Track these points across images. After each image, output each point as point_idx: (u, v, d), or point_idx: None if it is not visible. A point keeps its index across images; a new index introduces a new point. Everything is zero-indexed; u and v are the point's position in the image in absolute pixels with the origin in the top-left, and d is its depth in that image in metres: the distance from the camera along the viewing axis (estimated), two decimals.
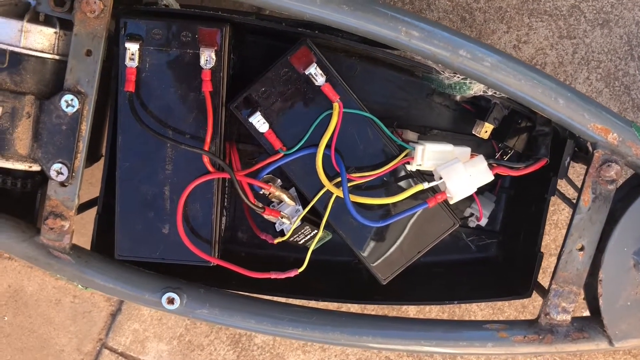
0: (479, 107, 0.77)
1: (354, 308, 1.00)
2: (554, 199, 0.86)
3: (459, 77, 0.67)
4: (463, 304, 1.02)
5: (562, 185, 0.88)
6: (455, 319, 1.04)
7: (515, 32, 0.93)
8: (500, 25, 0.93)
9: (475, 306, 1.03)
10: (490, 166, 0.64)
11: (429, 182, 0.65)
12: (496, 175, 0.66)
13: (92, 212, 0.73)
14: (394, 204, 0.67)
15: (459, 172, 0.62)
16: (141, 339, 1.08)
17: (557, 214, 0.96)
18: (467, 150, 0.66)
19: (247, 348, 1.07)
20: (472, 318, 1.04)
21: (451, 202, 0.65)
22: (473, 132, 0.75)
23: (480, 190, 0.82)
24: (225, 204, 0.74)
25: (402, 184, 0.68)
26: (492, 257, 0.86)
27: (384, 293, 0.76)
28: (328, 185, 0.65)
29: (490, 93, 0.68)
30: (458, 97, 0.74)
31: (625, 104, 0.95)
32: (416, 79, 0.78)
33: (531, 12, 0.92)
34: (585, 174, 0.66)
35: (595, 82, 0.94)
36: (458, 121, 0.81)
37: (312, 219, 0.71)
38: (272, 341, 1.06)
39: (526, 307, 1.01)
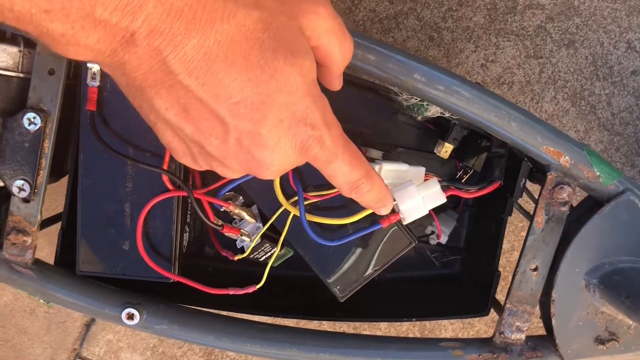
0: (440, 127, 0.78)
1: (326, 324, 1.01)
2: (522, 217, 0.88)
3: (416, 99, 0.68)
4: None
5: (527, 201, 0.89)
6: (426, 333, 1.05)
7: (483, 51, 0.94)
8: (468, 44, 0.94)
9: (446, 321, 1.04)
10: (445, 188, 0.65)
11: None
12: (450, 197, 0.67)
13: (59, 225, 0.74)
14: (351, 224, 0.68)
15: (412, 195, 0.63)
16: (115, 349, 1.09)
17: (525, 230, 0.97)
18: (422, 169, 0.68)
19: None
20: (443, 332, 1.05)
21: (404, 223, 0.66)
22: (435, 152, 0.76)
23: (443, 208, 0.83)
24: (188, 220, 0.75)
25: (360, 204, 0.69)
26: (456, 274, 0.87)
27: (347, 309, 0.77)
28: (285, 204, 0.66)
29: (448, 114, 0.69)
30: (419, 118, 0.76)
31: (592, 122, 0.96)
32: (380, 97, 0.79)
33: (498, 32, 0.94)
34: (539, 196, 0.67)
35: (562, 102, 0.95)
36: (422, 139, 0.82)
37: (273, 236, 0.72)
38: (245, 355, 1.07)
39: (495, 322, 1.02)
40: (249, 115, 0.39)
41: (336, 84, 0.50)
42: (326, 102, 0.44)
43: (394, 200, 0.65)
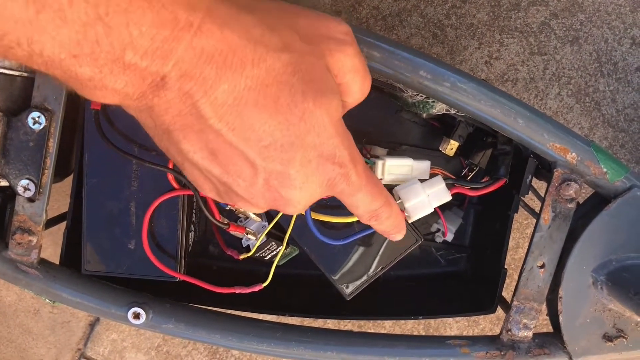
0: (445, 124, 0.78)
1: (330, 322, 1.00)
2: (528, 214, 0.87)
3: (421, 97, 0.67)
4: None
5: (532, 198, 0.89)
6: (431, 331, 1.05)
7: (487, 48, 0.94)
8: (472, 41, 0.94)
9: (452, 319, 1.04)
10: (449, 186, 0.65)
11: None
12: (456, 195, 0.66)
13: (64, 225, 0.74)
14: (356, 222, 0.68)
15: (417, 193, 0.63)
16: (119, 349, 1.09)
17: (531, 227, 0.97)
18: (427, 164, 0.67)
19: (225, 359, 1.08)
20: (447, 330, 1.05)
21: (410, 221, 0.66)
22: (440, 149, 0.76)
23: (449, 205, 0.83)
24: (194, 219, 0.75)
25: None
26: (461, 271, 0.87)
27: (353, 307, 0.77)
28: None
29: (453, 111, 0.69)
30: (424, 115, 0.75)
31: (596, 119, 0.95)
32: (385, 95, 0.79)
33: (502, 28, 0.94)
34: (546, 193, 0.67)
35: (566, 98, 0.95)
36: (427, 137, 0.82)
37: (278, 235, 0.72)
38: (249, 353, 1.07)
39: (501, 319, 1.02)
40: (279, 157, 0.40)
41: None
42: (352, 139, 0.45)
43: (399, 198, 0.64)
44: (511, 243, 1.00)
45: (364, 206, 0.48)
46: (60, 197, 0.94)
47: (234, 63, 0.37)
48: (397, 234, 0.54)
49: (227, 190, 0.43)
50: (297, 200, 0.44)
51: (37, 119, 0.64)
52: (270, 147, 0.39)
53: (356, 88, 0.46)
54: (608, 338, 0.69)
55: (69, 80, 0.36)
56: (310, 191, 0.43)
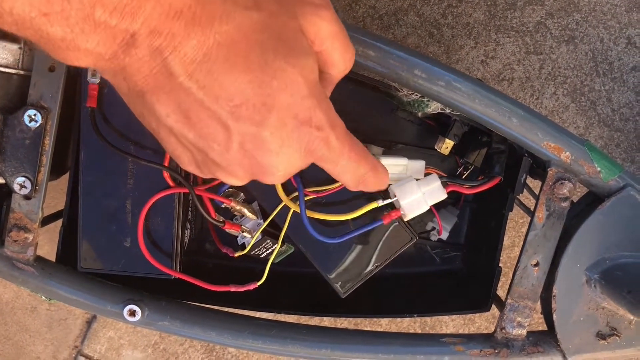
0: (441, 123, 0.78)
1: (326, 320, 1.01)
2: (523, 213, 0.87)
3: (416, 95, 0.68)
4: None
5: (527, 197, 0.89)
6: (427, 329, 1.05)
7: (483, 47, 0.94)
8: (468, 40, 0.94)
9: (447, 317, 1.04)
10: (444, 184, 0.65)
11: (383, 199, 0.66)
12: (451, 194, 0.67)
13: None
14: (351, 220, 0.68)
15: (413, 191, 0.63)
16: (116, 346, 1.09)
17: (526, 226, 0.97)
18: (422, 163, 0.67)
19: (222, 357, 1.08)
20: (443, 328, 1.05)
21: (405, 220, 0.66)
22: (435, 148, 0.76)
23: (444, 204, 0.83)
24: (189, 216, 0.75)
25: (361, 200, 0.69)
26: (456, 270, 0.87)
27: (348, 305, 0.77)
28: (285, 200, 0.67)
29: (448, 111, 0.69)
30: (419, 114, 0.76)
31: (592, 119, 0.96)
32: (381, 94, 0.79)
33: (498, 28, 0.94)
34: (540, 192, 0.67)
35: (562, 98, 0.95)
36: (423, 136, 0.82)
37: (274, 232, 0.72)
38: (246, 351, 1.07)
39: (496, 317, 1.02)
40: (251, 118, 0.39)
41: (328, 92, 0.49)
42: (329, 102, 0.43)
43: (395, 196, 0.65)
44: (506, 241, 1.00)
45: (349, 173, 0.46)
46: (56, 195, 0.94)
47: (203, 18, 0.36)
48: (382, 187, 0.51)
49: (204, 158, 0.42)
50: (275, 167, 0.42)
51: (33, 116, 0.65)
52: (242, 106, 0.38)
53: (337, 57, 0.44)
54: (601, 336, 0.69)
55: (41, 42, 0.36)
56: (289, 157, 0.41)
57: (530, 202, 0.89)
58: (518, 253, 0.69)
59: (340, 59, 0.45)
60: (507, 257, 1.01)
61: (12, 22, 0.34)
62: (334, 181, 0.68)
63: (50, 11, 0.33)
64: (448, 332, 1.05)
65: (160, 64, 0.37)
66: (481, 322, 1.04)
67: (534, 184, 0.75)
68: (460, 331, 1.05)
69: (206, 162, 0.43)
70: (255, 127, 0.39)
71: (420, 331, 1.05)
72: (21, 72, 0.67)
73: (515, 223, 1.00)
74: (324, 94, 0.43)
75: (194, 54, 0.37)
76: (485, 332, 0.93)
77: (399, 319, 1.04)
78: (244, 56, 0.38)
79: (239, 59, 0.38)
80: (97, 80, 0.66)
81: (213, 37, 0.37)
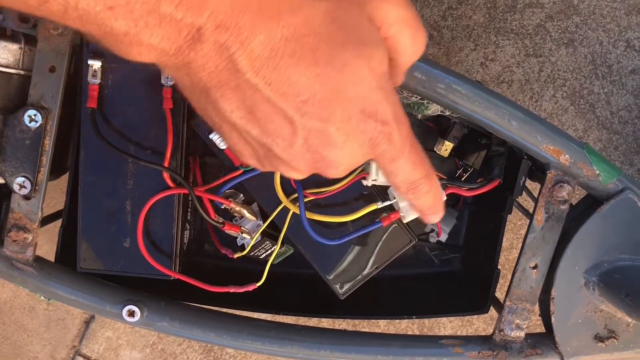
0: (440, 125, 0.79)
1: (324, 322, 1.01)
2: (522, 215, 0.88)
3: (416, 98, 0.68)
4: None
5: (526, 199, 0.90)
6: (425, 330, 1.05)
7: (483, 49, 0.95)
8: (468, 43, 0.94)
9: (445, 318, 1.04)
10: (444, 186, 0.66)
11: (383, 201, 0.66)
12: (450, 196, 0.67)
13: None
14: (351, 222, 0.68)
15: None
16: (114, 346, 1.09)
17: (525, 228, 0.97)
18: None
19: (220, 357, 1.08)
20: (442, 330, 1.05)
21: (404, 221, 0.66)
22: (435, 150, 0.76)
23: None
24: (189, 217, 0.75)
25: (360, 202, 0.69)
26: (455, 272, 0.87)
27: (347, 306, 0.77)
28: (285, 202, 0.67)
29: (448, 113, 0.69)
30: (419, 116, 0.76)
31: (591, 121, 0.96)
32: None
33: (498, 30, 0.94)
34: (539, 194, 0.67)
35: (561, 100, 0.96)
36: (422, 138, 0.82)
37: (273, 234, 0.72)
38: (244, 351, 1.07)
39: (495, 320, 1.03)
40: (317, 114, 0.38)
41: (399, 79, 0.46)
42: (396, 96, 0.41)
43: (394, 198, 0.65)
44: (505, 244, 1.00)
45: (403, 175, 0.44)
46: (56, 195, 0.94)
47: (269, 12, 0.35)
48: (434, 215, 0.49)
49: (266, 153, 0.42)
50: (338, 162, 0.41)
51: (33, 116, 0.65)
52: (308, 102, 0.37)
53: (407, 43, 0.42)
54: (599, 339, 0.69)
55: (105, 37, 0.35)
56: (352, 151, 0.40)
57: (529, 204, 0.89)
58: (516, 255, 0.69)
59: (409, 45, 0.42)
60: (506, 259, 1.01)
61: (77, 17, 0.34)
62: (333, 183, 0.68)
63: (115, 4, 0.33)
64: (446, 333, 1.05)
65: (227, 60, 0.36)
66: (479, 323, 1.04)
67: (533, 186, 0.75)
68: (459, 333, 1.05)
69: (268, 157, 0.42)
70: (321, 122, 0.39)
71: (418, 333, 1.05)
72: (22, 72, 0.67)
73: (514, 225, 1.00)
74: (391, 86, 0.41)
75: (261, 50, 0.36)
76: (483, 334, 0.93)
77: (397, 321, 1.04)
78: (312, 50, 0.37)
79: (307, 53, 0.37)
80: (98, 81, 0.66)
81: (280, 31, 0.36)
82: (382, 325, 1.04)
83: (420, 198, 0.46)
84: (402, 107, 0.42)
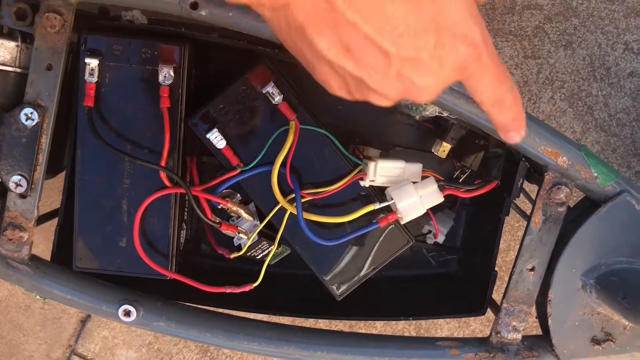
0: (439, 126, 0.78)
1: (321, 323, 1.01)
2: (519, 217, 0.87)
3: None
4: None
5: (524, 201, 0.90)
6: (422, 332, 1.05)
7: None
8: None
9: (442, 320, 1.04)
10: (441, 188, 0.65)
11: (380, 202, 0.66)
12: (447, 197, 0.67)
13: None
14: (348, 222, 0.68)
15: (410, 194, 0.63)
16: (110, 346, 1.09)
17: (522, 230, 0.97)
18: (419, 166, 0.68)
19: (216, 357, 1.08)
20: (438, 332, 1.05)
21: (402, 222, 0.66)
22: (432, 151, 0.76)
23: (440, 207, 0.83)
24: (185, 217, 0.75)
25: (358, 203, 0.69)
26: (452, 273, 0.87)
27: (344, 307, 0.77)
28: (282, 202, 0.66)
29: (446, 114, 0.69)
30: (417, 117, 0.75)
31: (589, 123, 0.96)
32: None
33: (497, 32, 0.94)
34: (536, 196, 0.67)
35: (559, 102, 0.96)
36: (421, 139, 0.82)
37: (270, 234, 0.72)
38: (241, 352, 1.07)
39: (492, 321, 1.02)
40: (412, 44, 0.39)
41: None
42: (482, 18, 0.42)
43: (392, 199, 0.65)
44: (502, 245, 1.00)
45: (489, 90, 0.44)
46: (52, 194, 0.94)
47: None
48: (516, 132, 0.48)
49: (358, 85, 0.43)
50: (429, 87, 0.42)
51: (29, 115, 0.64)
52: (404, 34, 0.38)
53: None
54: (596, 341, 0.69)
55: None
56: (444, 76, 0.42)
57: (526, 206, 0.89)
58: (513, 257, 0.69)
59: None
60: (503, 261, 1.01)
61: None
62: (331, 183, 0.68)
63: None
64: (443, 335, 1.05)
65: (324, 0, 0.37)
66: (476, 325, 1.04)
67: (531, 188, 0.75)
68: (455, 335, 1.05)
69: (360, 88, 0.43)
70: (415, 51, 0.40)
71: (415, 334, 1.05)
72: (18, 70, 0.67)
73: (511, 227, 1.00)
74: (475, 6, 0.42)
75: None
76: (480, 336, 0.93)
77: (393, 322, 1.04)
78: None
79: None
80: (95, 80, 0.65)
81: None
82: (379, 327, 1.04)
83: (505, 112, 0.46)
84: (485, 26, 0.43)
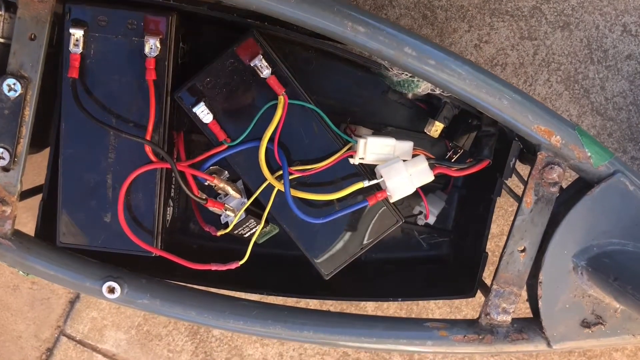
0: (432, 106, 0.77)
1: (312, 303, 1.00)
2: (513, 201, 0.86)
3: (406, 75, 0.66)
4: (421, 302, 1.02)
5: (518, 185, 0.88)
6: (413, 316, 1.04)
7: (477, 31, 0.93)
8: (462, 24, 0.93)
9: (434, 304, 1.03)
10: (432, 166, 0.64)
11: (370, 179, 0.65)
12: (438, 175, 0.66)
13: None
14: (337, 200, 0.67)
15: (399, 172, 0.62)
16: (99, 327, 1.08)
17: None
18: (410, 144, 0.66)
19: (206, 339, 1.07)
20: (430, 315, 1.04)
21: (391, 201, 0.65)
22: (425, 131, 0.75)
23: (432, 189, 0.82)
24: (172, 194, 0.73)
25: (347, 181, 0.68)
26: (443, 256, 0.86)
27: (334, 288, 0.76)
28: (270, 179, 0.65)
29: (438, 92, 0.68)
30: (410, 95, 0.74)
31: (585, 107, 0.95)
32: (372, 75, 0.77)
33: (493, 12, 0.92)
34: (529, 176, 0.66)
35: (555, 85, 0.94)
36: (413, 119, 0.81)
37: (258, 212, 0.71)
38: (231, 333, 1.06)
39: None
40: None
41: None
42: None
43: (381, 177, 0.64)
44: (496, 230, 0.99)
45: None
46: (42, 171, 0.93)
47: None
48: None
49: None
50: None
51: (12, 86, 0.63)
52: None
53: None
54: (586, 324, 0.68)
55: None
56: None
57: (519, 189, 0.88)
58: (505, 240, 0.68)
59: None
60: (496, 246, 1.00)
61: None
62: (320, 160, 0.67)
63: None
64: None
65: None
66: (468, 310, 1.03)
67: (524, 171, 0.74)
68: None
69: None
70: None
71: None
72: (1, 40, 0.65)
73: (505, 211, 0.99)
74: None
75: None
76: None
77: (385, 306, 1.03)
78: None
79: None
80: (80, 51, 0.64)
81: None
82: (369, 311, 1.03)
83: None
84: None
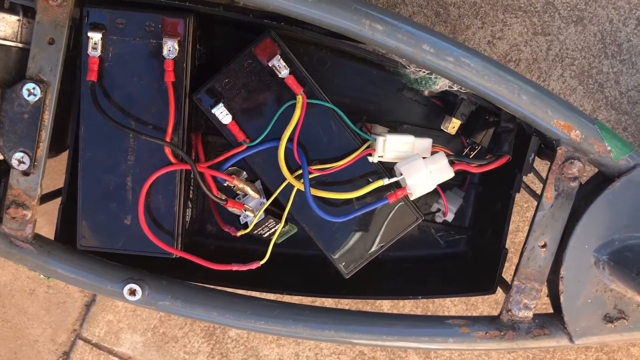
0: (448, 103, 0.77)
1: (328, 302, 1.00)
2: (528, 197, 0.86)
3: (424, 72, 0.66)
4: (437, 300, 1.02)
5: (533, 180, 0.88)
6: (429, 314, 1.04)
7: (490, 28, 0.93)
8: (475, 20, 0.93)
9: (449, 302, 1.03)
10: (451, 163, 0.64)
11: (389, 177, 0.65)
12: (458, 172, 0.65)
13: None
14: (356, 199, 0.67)
15: (419, 169, 0.62)
16: (115, 330, 1.08)
17: (531, 210, 0.96)
18: (429, 141, 0.66)
19: (222, 341, 1.07)
20: (446, 313, 1.04)
21: (411, 198, 0.65)
22: (441, 128, 0.75)
23: (449, 186, 0.82)
24: (191, 195, 0.74)
25: (366, 179, 0.68)
26: (461, 253, 0.86)
27: (351, 287, 0.76)
28: (289, 178, 0.65)
29: (456, 88, 0.68)
30: (426, 92, 0.74)
31: (599, 101, 0.94)
32: (387, 73, 0.77)
33: (505, 8, 0.92)
34: (549, 171, 0.66)
35: (569, 80, 0.94)
36: (429, 116, 0.81)
37: (277, 212, 0.71)
38: (247, 334, 1.06)
39: (499, 304, 1.01)
40: None
41: None
42: None
43: (401, 174, 0.63)
44: (511, 226, 0.98)
45: None
46: (56, 176, 0.93)
47: None
48: None
49: None
50: None
51: (32, 90, 0.63)
52: None
53: None
54: (609, 319, 0.68)
55: None
56: None
57: (536, 186, 0.88)
58: (523, 238, 0.68)
59: None
60: (511, 242, 0.99)
61: None
62: (339, 159, 0.67)
63: None
64: None
65: None
66: (484, 307, 1.03)
67: (541, 168, 0.73)
68: None
69: None
70: None
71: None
72: (20, 45, 0.65)
73: (520, 207, 0.99)
74: None
75: None
76: None
77: (401, 304, 1.03)
78: None
79: None
80: (98, 54, 0.64)
81: None
82: (385, 309, 1.03)
83: None
84: None
